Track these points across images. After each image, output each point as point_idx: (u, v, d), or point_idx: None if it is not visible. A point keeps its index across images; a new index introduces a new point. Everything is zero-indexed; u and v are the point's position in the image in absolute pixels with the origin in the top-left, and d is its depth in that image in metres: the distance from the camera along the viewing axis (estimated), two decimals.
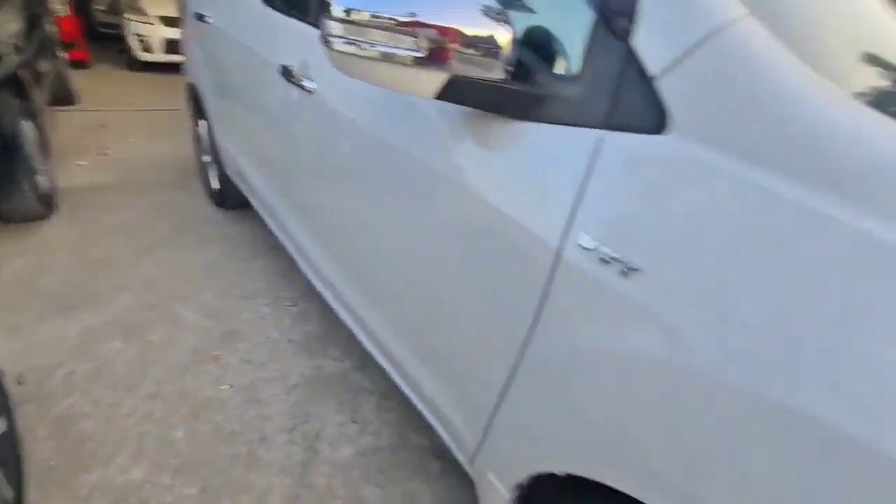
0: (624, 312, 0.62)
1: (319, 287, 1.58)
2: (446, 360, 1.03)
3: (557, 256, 0.69)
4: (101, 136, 3.83)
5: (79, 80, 4.72)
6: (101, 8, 7.89)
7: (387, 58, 0.71)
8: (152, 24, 6.27)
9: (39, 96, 2.94)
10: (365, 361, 1.76)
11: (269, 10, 1.67)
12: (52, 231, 2.41)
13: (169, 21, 6.16)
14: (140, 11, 6.31)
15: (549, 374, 0.74)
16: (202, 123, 2.69)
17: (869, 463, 0.43)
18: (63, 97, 4.27)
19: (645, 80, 0.62)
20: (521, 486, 0.83)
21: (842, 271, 0.47)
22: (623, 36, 0.65)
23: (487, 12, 0.67)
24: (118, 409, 1.47)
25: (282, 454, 1.39)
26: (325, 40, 0.74)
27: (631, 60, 0.64)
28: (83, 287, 2.00)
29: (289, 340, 1.86)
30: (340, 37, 0.72)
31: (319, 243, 1.50)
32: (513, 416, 0.83)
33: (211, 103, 2.38)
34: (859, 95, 0.56)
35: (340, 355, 1.80)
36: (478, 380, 0.92)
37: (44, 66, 3.33)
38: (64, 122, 3.79)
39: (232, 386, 1.61)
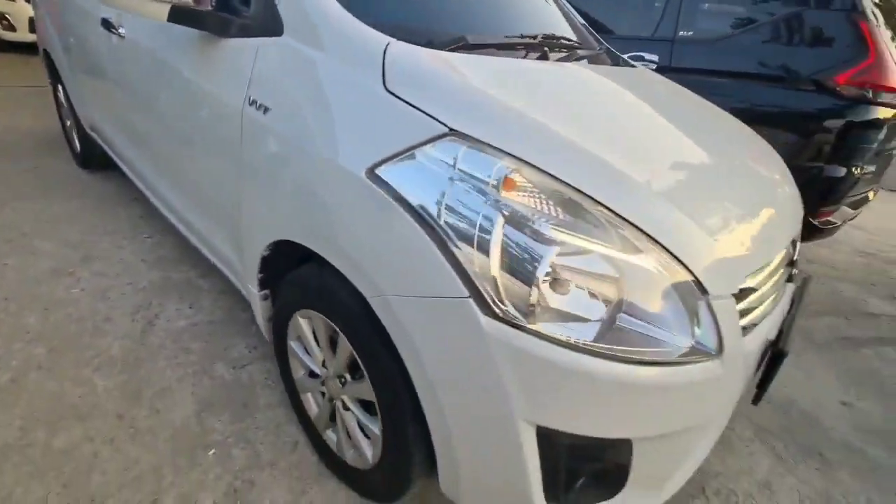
0: (267, 132, 1.09)
1: (147, 193, 1.97)
2: (210, 203, 1.48)
3: (243, 111, 1.16)
4: None
5: None
6: None
7: None
8: (14, 1, 5.97)
9: None
10: (208, 271, 2.14)
11: None
12: None
13: None
14: None
15: (259, 179, 1.19)
16: (60, 88, 2.87)
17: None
18: None
19: (274, 7, 1.10)
20: (263, 265, 1.26)
21: (339, 88, 0.97)
22: None
23: None
24: None
25: (123, 327, 1.75)
26: None
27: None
28: None
29: (142, 260, 2.18)
30: None
31: (147, 159, 1.87)
32: (248, 220, 1.27)
33: (63, 65, 2.60)
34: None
35: (187, 268, 2.16)
36: (224, 207, 1.36)
37: None
38: None
39: (83, 290, 1.92)
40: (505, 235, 0.77)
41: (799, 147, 2.38)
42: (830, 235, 2.63)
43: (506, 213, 0.77)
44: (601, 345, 0.76)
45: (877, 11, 2.27)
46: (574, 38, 1.57)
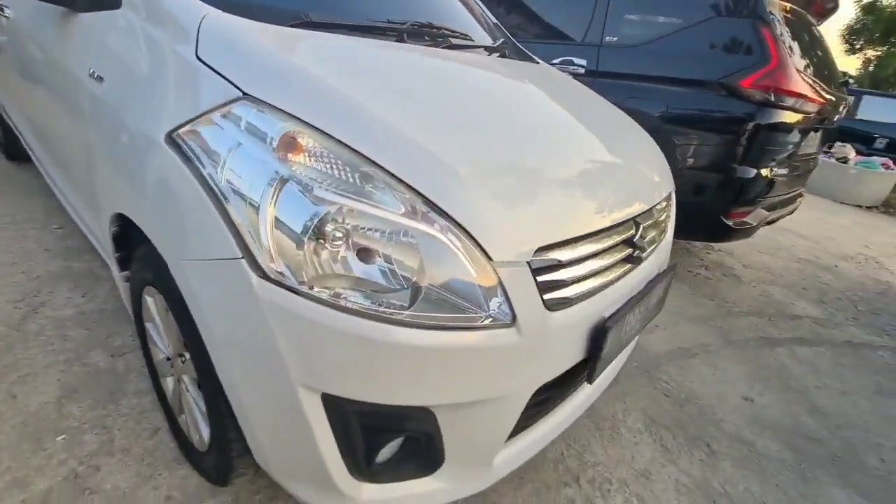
0: (102, 104, 1.08)
1: (45, 177, 1.93)
2: (77, 182, 1.47)
3: (86, 82, 1.14)
4: None
5: None
6: None
7: None
8: None
9: None
10: None
11: None
12: None
13: None
14: None
15: (99, 152, 1.17)
16: None
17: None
18: None
19: None
20: (117, 244, 1.24)
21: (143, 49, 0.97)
22: None
23: None
24: None
25: (2, 314, 1.69)
26: None
27: None
28: None
29: (46, 249, 2.13)
30: None
31: (37, 139, 1.85)
32: (96, 196, 1.25)
33: None
34: None
35: (91, 258, 2.11)
36: (85, 184, 1.34)
37: None
38: None
39: None
40: (279, 196, 0.76)
41: (712, 149, 2.44)
42: (748, 237, 2.69)
43: (282, 174, 0.77)
44: (382, 308, 0.76)
45: (781, 21, 2.36)
46: (458, 30, 1.59)
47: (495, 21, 2.03)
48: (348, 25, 1.20)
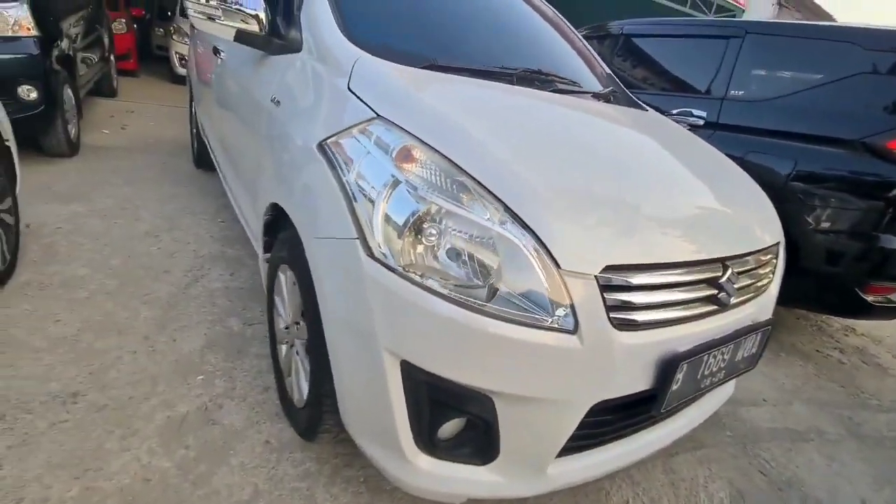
0: (275, 120, 1.41)
1: (223, 181, 2.42)
2: (247, 184, 1.84)
3: (267, 106, 1.50)
4: (127, 118, 4.89)
5: (125, 84, 5.93)
6: (160, 32, 9.46)
7: (211, 19, 1.55)
8: None
9: (84, 76, 4.00)
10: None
11: None
12: (72, 163, 3.34)
13: None
14: (182, 33, 7.66)
15: (266, 157, 1.51)
16: (191, 104, 3.66)
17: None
18: (106, 90, 5.43)
19: (300, 31, 1.45)
20: (266, 229, 1.56)
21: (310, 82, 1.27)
22: (296, 9, 1.49)
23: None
24: (81, 247, 2.28)
25: (176, 279, 2.16)
26: (182, 10, 1.62)
27: (296, 24, 1.47)
28: (81, 193, 2.88)
29: (211, 236, 2.66)
30: (190, 9, 1.58)
31: (222, 152, 2.36)
32: (257, 191, 1.59)
33: (193, 85, 3.34)
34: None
35: (240, 248, 2.58)
36: (251, 183, 1.70)
37: (93, 59, 4.44)
38: (102, 106, 4.87)
39: (160, 248, 2.41)
40: (391, 195, 0.95)
41: (849, 213, 2.21)
42: (892, 318, 2.32)
43: (396, 177, 0.96)
44: (462, 297, 0.89)
45: None
46: (567, 77, 1.74)
47: (608, 71, 2.15)
48: (469, 69, 1.42)
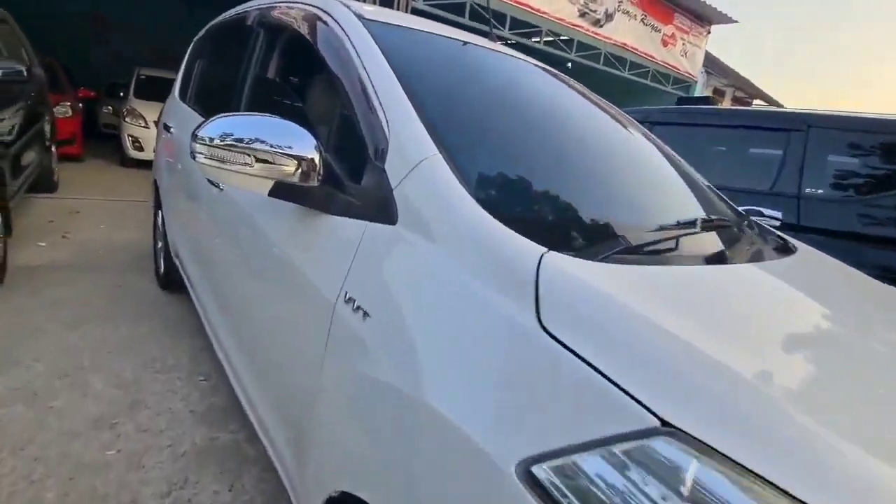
0: (363, 348, 0.83)
1: (216, 348, 1.74)
2: (278, 397, 1.20)
3: (336, 307, 0.91)
4: (70, 221, 4.10)
5: (69, 171, 5.15)
6: (108, 110, 8.75)
7: (231, 167, 0.98)
8: (147, 127, 6.94)
9: (16, 182, 3.27)
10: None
11: (188, 109, 2.11)
12: None
13: None
14: (136, 115, 7.03)
15: (337, 405, 0.90)
16: (160, 214, 3.00)
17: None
18: (44, 185, 4.65)
19: (390, 191, 0.91)
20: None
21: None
22: (381, 161, 0.95)
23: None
24: None
25: None
26: (193, 155, 1.01)
27: (384, 179, 0.93)
28: (2, 353, 2.10)
29: (191, 412, 1.94)
30: (202, 153, 1.00)
31: (220, 310, 1.70)
32: (318, 451, 0.97)
33: (165, 196, 2.70)
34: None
35: (237, 427, 1.88)
36: (292, 410, 1.08)
37: (28, 158, 3.72)
38: (39, 207, 4.07)
39: (119, 451, 1.66)
40: None
41: None
42: None
43: None
44: None
45: None
46: (725, 215, 1.29)
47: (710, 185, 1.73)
48: (664, 249, 0.92)
